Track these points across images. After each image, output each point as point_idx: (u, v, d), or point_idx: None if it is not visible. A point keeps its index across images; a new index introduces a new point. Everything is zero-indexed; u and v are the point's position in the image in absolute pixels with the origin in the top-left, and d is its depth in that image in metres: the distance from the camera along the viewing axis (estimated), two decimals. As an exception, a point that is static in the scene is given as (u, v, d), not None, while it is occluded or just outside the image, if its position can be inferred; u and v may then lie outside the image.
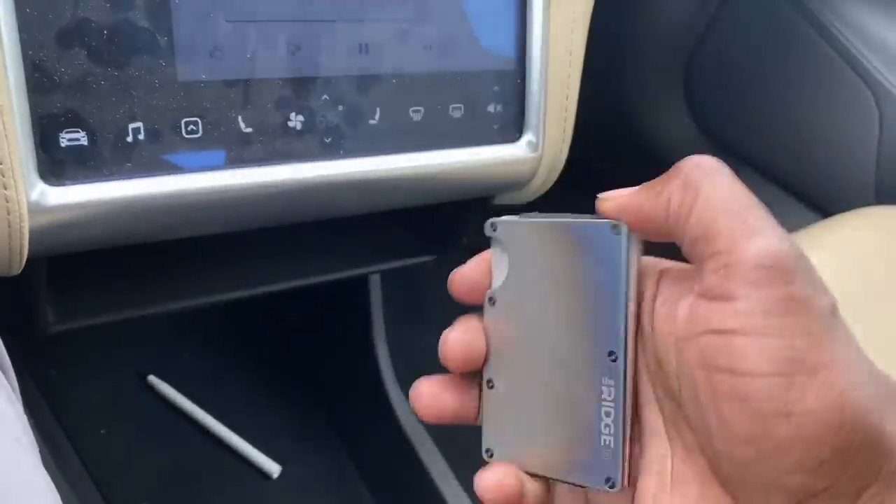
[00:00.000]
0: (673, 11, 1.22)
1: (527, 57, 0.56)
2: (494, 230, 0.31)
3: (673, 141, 1.26)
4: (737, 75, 1.19)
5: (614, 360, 0.28)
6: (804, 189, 1.16)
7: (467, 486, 0.85)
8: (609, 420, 0.28)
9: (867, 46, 1.07)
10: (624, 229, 0.28)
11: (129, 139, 0.45)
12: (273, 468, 0.86)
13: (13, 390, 0.40)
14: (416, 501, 0.86)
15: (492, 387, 0.30)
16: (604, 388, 0.28)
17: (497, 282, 0.30)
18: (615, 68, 1.29)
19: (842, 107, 1.10)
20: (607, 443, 0.28)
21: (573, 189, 1.34)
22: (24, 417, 0.38)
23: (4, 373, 0.39)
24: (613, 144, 1.36)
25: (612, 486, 0.28)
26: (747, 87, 1.18)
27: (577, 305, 0.28)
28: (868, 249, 0.80)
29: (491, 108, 0.56)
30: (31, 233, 0.43)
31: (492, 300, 0.30)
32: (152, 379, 0.89)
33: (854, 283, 0.74)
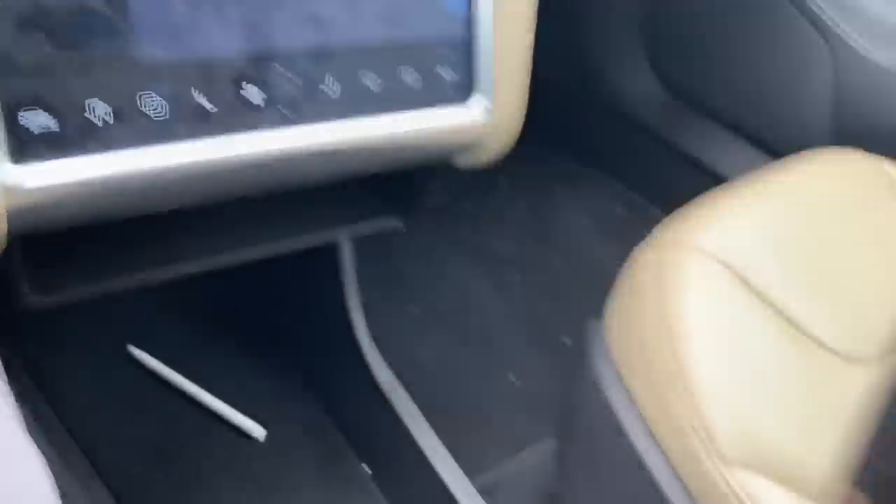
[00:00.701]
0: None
1: (476, 20, 0.58)
2: None
3: (636, 94, 1.29)
4: (695, 27, 1.21)
5: None
6: (763, 136, 1.19)
7: (441, 433, 0.89)
8: None
9: (819, -6, 1.09)
10: None
11: (94, 119, 0.47)
12: (258, 430, 0.89)
13: None
14: (394, 450, 0.89)
15: None
16: None
17: None
18: (577, 26, 1.31)
19: (797, 54, 1.13)
20: None
21: (539, 147, 1.37)
22: (5, 387, 0.40)
23: None
24: (577, 100, 1.38)
25: None
26: (702, 37, 1.20)
27: None
28: (819, 194, 0.83)
29: (443, 73, 0.58)
30: (5, 214, 0.45)
31: None
32: (133, 349, 0.92)
33: (805, 228, 0.77)
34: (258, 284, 0.99)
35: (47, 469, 0.36)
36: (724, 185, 0.81)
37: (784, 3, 1.11)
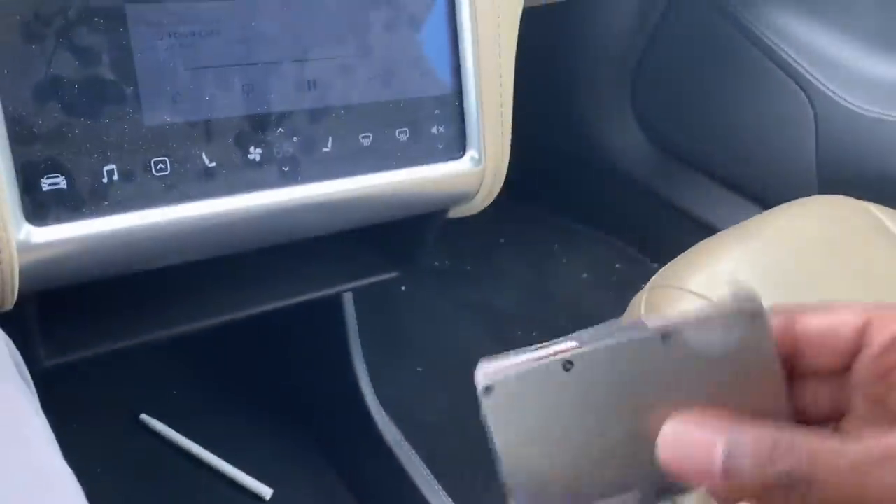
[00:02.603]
0: (616, 31, 1.29)
1: (462, 80, 0.62)
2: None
3: (626, 152, 1.33)
4: (679, 85, 1.26)
5: None
6: (751, 188, 1.22)
7: (453, 493, 0.89)
8: None
9: (794, 49, 1.14)
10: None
11: (105, 180, 0.50)
12: (265, 491, 0.90)
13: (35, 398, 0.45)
14: (404, 509, 0.90)
15: None
16: None
17: None
18: (567, 88, 1.36)
19: (778, 107, 1.17)
20: None
21: (537, 208, 1.40)
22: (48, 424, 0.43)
23: (28, 386, 0.44)
24: (572, 162, 1.42)
25: None
26: (689, 95, 1.25)
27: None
28: (806, 236, 0.85)
29: (434, 130, 0.62)
30: (21, 270, 0.48)
31: None
32: (144, 417, 0.93)
33: (792, 270, 0.79)
34: (265, 347, 1.01)
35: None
36: (714, 235, 0.83)
37: (765, 59, 1.15)
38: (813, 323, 0.29)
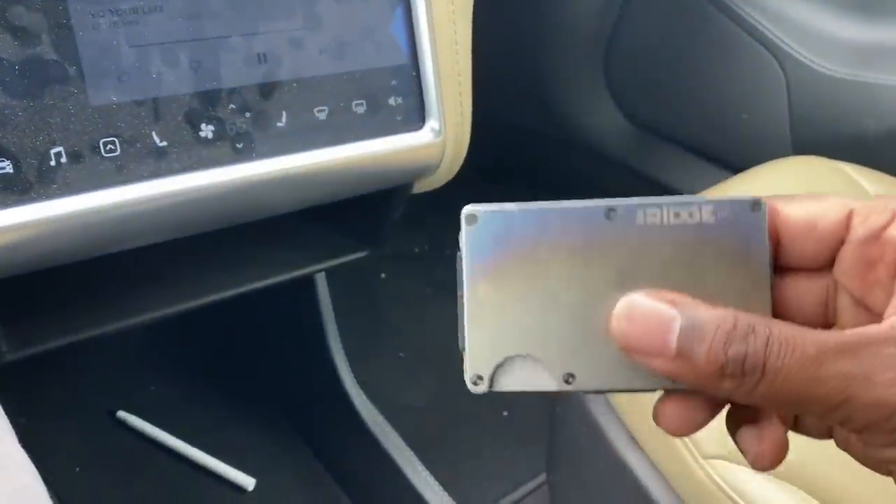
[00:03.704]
0: (586, 6, 1.28)
1: (418, 49, 0.61)
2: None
3: (602, 129, 1.32)
4: (651, 58, 1.25)
5: None
6: (727, 156, 1.21)
7: (434, 471, 0.89)
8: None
9: (763, 15, 1.13)
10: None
11: (53, 163, 0.49)
12: (248, 482, 0.89)
13: None
14: (389, 492, 0.89)
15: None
16: None
17: None
18: (539, 68, 1.35)
19: (750, 74, 1.16)
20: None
21: (514, 190, 1.39)
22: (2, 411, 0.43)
23: None
24: (547, 141, 1.41)
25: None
26: (662, 68, 1.24)
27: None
28: (777, 190, 0.85)
29: (392, 101, 0.61)
30: (-31, 258, 0.47)
31: None
32: (121, 414, 0.92)
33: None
34: (241, 337, 1.00)
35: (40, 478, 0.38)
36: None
37: (734, 27, 1.15)
38: (796, 211, 0.28)
